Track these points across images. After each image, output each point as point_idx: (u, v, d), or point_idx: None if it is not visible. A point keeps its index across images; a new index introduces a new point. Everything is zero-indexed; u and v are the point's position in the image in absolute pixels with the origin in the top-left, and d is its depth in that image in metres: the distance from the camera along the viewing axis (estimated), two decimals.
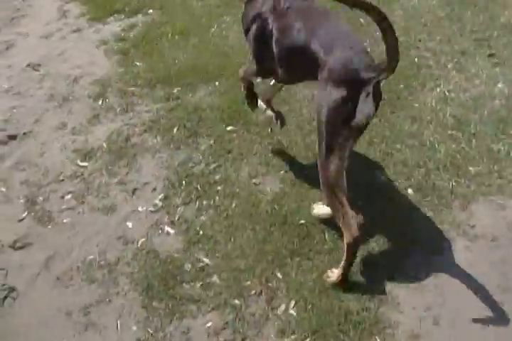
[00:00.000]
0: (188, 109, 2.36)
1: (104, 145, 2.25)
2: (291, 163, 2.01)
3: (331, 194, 1.48)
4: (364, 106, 1.40)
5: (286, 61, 1.62)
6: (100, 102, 2.53)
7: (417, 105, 2.20)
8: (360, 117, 1.41)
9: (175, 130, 2.26)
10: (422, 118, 2.13)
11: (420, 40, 2.59)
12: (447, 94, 2.24)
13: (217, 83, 2.50)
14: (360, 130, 1.47)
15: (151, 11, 3.32)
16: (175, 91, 2.50)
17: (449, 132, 2.06)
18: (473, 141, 2.01)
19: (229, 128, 2.21)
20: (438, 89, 2.27)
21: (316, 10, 1.65)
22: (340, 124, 1.42)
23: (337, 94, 1.39)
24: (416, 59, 2.47)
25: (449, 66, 2.42)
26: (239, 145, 2.11)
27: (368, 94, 1.39)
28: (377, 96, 1.43)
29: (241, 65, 2.54)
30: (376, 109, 1.44)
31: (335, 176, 1.46)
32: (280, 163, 2.01)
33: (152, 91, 2.54)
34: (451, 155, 1.96)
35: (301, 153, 2.05)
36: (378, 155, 1.99)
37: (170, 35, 2.98)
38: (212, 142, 2.15)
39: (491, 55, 2.47)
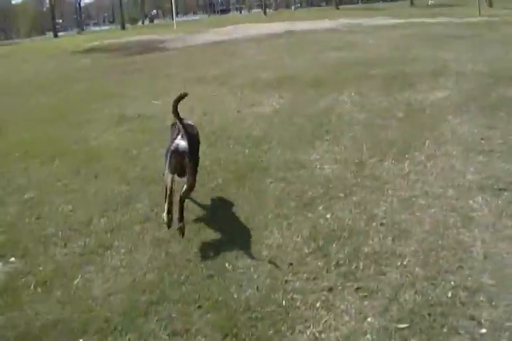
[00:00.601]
0: None
1: None
2: None
3: (164, 188, 3.81)
4: (179, 141, 3.76)
5: None
6: None
7: None
8: (174, 145, 3.77)
9: None
10: None
11: (286, 282, 3.26)
12: (317, 335, 2.75)
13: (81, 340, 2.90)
14: (178, 154, 3.74)
15: (12, 259, 3.85)
16: None
17: None
18: None
19: None
20: (308, 332, 2.78)
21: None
22: (168, 149, 3.84)
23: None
24: (284, 302, 3.05)
25: (317, 305, 3.00)
26: None
27: (184, 137, 3.73)
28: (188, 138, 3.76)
29: (107, 319, 3.01)
30: (188, 145, 3.73)
31: (166, 179, 3.82)
32: None
33: None
34: None
35: None
36: None
37: (32, 286, 3.45)
38: None
39: (358, 289, 3.15)
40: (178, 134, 3.83)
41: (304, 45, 15.99)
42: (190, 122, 4.20)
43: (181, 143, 3.75)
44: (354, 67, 10.71)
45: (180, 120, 3.78)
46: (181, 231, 3.77)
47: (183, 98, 3.78)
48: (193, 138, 3.88)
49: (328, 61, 11.92)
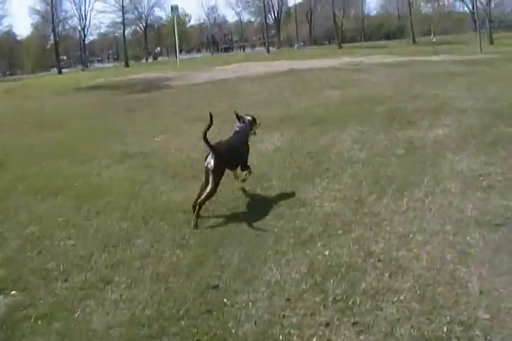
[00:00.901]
0: None
1: None
2: None
3: (200, 190, 5.10)
4: (208, 160, 5.07)
5: None
6: None
7: None
8: (205, 163, 5.08)
9: None
10: None
11: (284, 317, 3.32)
12: None
13: None
14: (207, 171, 5.07)
15: (13, 292, 3.94)
16: None
17: None
18: None
19: None
20: None
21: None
22: (206, 156, 5.14)
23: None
24: (281, 337, 3.12)
25: (313, 340, 3.07)
26: None
27: (212, 156, 5.04)
28: (214, 159, 5.03)
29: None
30: (214, 164, 5.02)
31: (202, 184, 5.14)
32: None
33: None
34: None
35: None
36: None
37: (32, 319, 3.53)
38: None
39: (354, 323, 3.23)
40: (208, 154, 5.11)
41: (306, 84, 16.33)
42: (237, 126, 5.95)
43: (211, 162, 5.02)
44: (355, 105, 10.95)
45: (209, 144, 5.08)
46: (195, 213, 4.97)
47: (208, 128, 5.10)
48: (222, 157, 5.08)
49: (330, 99, 12.19)
